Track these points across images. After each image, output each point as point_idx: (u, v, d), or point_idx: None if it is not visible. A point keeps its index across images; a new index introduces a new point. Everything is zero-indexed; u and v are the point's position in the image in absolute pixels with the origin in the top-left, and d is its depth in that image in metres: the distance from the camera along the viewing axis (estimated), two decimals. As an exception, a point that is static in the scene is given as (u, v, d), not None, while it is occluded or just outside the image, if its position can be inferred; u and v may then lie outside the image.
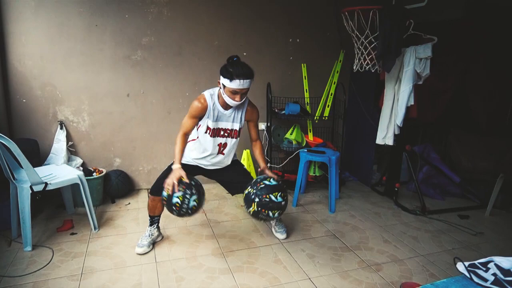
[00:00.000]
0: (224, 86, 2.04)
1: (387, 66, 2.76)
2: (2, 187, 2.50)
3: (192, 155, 2.33)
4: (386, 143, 3.09)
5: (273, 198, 2.06)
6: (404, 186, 3.55)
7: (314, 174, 3.60)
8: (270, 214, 2.07)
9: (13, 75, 2.87)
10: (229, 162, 2.41)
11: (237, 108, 2.22)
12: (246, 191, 2.12)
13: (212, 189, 3.46)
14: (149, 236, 2.37)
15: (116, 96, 3.17)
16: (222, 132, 2.24)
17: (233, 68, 1.99)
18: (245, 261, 2.27)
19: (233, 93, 2.04)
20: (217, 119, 2.19)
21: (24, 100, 2.94)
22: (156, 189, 2.24)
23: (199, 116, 2.17)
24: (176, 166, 2.08)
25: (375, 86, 3.43)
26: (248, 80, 2.02)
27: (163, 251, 2.36)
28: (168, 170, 2.22)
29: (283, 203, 2.11)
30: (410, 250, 2.44)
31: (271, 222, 2.65)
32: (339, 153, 3.17)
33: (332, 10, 3.52)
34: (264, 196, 2.04)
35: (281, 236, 2.58)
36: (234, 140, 2.30)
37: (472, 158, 3.48)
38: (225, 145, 2.29)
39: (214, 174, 2.43)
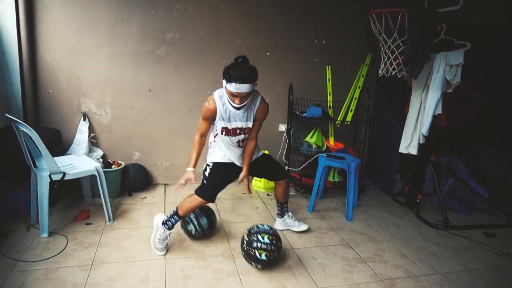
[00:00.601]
0: (226, 87, 2.01)
1: (414, 72, 2.64)
2: (25, 174, 2.58)
3: (220, 154, 2.32)
4: (410, 152, 2.96)
5: (260, 238, 2.11)
6: (427, 198, 3.39)
7: (333, 180, 3.51)
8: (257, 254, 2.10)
9: (41, 66, 2.97)
10: (257, 155, 2.43)
11: (249, 106, 2.16)
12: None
13: (229, 189, 3.43)
14: (165, 239, 2.32)
15: (139, 91, 3.21)
16: (238, 131, 2.21)
17: (233, 70, 1.95)
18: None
19: (232, 95, 2.00)
20: (230, 120, 2.15)
21: (50, 91, 3.03)
22: (209, 194, 2.24)
23: (210, 118, 2.16)
24: (190, 169, 2.16)
25: (402, 92, 3.29)
26: (246, 85, 1.95)
27: (173, 248, 2.36)
28: (213, 174, 2.28)
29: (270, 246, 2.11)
30: (428, 267, 2.32)
31: (288, 221, 2.66)
32: (359, 159, 3.06)
33: (360, 10, 3.41)
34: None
35: (304, 227, 2.62)
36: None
37: (504, 172, 3.27)
38: (243, 140, 2.28)
39: (249, 170, 2.39)
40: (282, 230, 2.67)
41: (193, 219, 2.40)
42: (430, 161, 3.08)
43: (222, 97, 2.12)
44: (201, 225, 2.40)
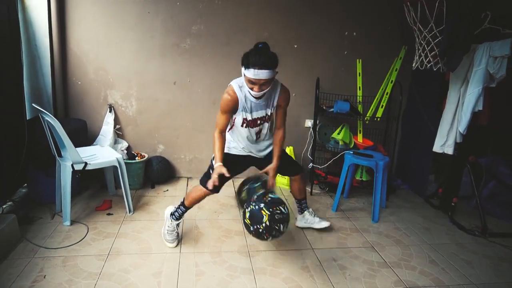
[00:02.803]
0: (244, 75, 1.90)
1: (452, 64, 2.43)
2: (52, 162, 2.65)
3: (232, 145, 2.22)
4: (445, 152, 2.74)
5: (282, 210, 1.89)
6: (464, 202, 3.14)
7: (360, 179, 3.34)
8: (282, 227, 1.87)
9: (71, 58, 3.03)
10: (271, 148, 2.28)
11: (269, 95, 2.04)
12: (250, 208, 1.91)
13: (251, 184, 3.37)
14: (173, 231, 2.29)
15: (164, 83, 3.21)
16: (258, 121, 2.10)
17: (252, 56, 1.83)
18: (270, 263, 2.15)
19: (250, 82, 1.88)
20: (251, 110, 2.04)
21: (79, 83, 3.10)
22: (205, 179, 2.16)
23: (231, 110, 2.03)
24: (218, 164, 2.00)
25: (440, 87, 3.05)
26: (265, 71, 1.82)
27: (189, 242, 2.33)
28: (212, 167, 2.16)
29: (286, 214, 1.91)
30: (460, 276, 2.12)
31: (308, 217, 2.55)
32: (388, 158, 2.88)
33: (394, 2, 3.20)
34: (275, 209, 1.86)
35: (325, 224, 2.49)
36: (267, 124, 2.15)
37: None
38: (260, 130, 2.16)
39: (265, 162, 2.24)
40: (303, 228, 2.56)
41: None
42: (468, 162, 2.84)
43: (242, 88, 2.00)
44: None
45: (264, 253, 2.26)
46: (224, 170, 1.95)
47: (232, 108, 2.04)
